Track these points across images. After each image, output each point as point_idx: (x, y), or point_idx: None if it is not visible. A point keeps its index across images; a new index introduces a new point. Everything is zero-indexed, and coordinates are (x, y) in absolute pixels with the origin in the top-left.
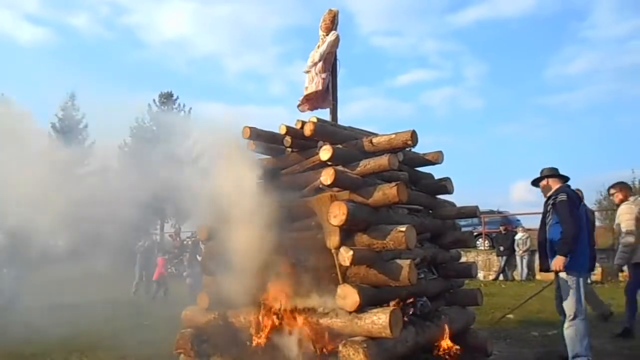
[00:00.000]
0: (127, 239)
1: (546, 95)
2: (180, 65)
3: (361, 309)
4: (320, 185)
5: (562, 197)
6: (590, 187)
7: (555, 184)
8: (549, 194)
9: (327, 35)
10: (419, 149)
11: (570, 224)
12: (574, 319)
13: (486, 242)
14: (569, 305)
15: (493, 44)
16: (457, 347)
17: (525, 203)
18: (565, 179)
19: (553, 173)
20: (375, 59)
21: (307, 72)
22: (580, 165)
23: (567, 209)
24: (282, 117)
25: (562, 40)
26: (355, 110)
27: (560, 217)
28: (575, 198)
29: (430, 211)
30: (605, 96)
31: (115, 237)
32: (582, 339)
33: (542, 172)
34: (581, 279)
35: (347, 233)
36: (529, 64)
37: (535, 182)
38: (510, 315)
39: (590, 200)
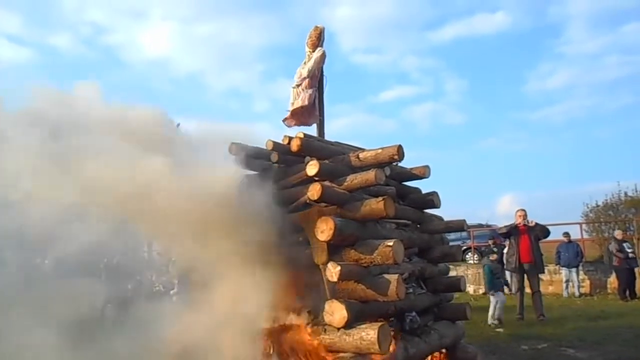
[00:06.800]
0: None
1: (526, 110)
2: (163, 84)
3: (349, 324)
4: (308, 201)
5: None
6: (578, 198)
7: None
8: None
9: (313, 51)
10: (404, 164)
11: None
12: None
13: (475, 255)
14: None
15: (472, 60)
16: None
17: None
18: None
19: None
20: (356, 76)
21: (297, 85)
22: (566, 177)
23: None
24: (267, 133)
25: (539, 56)
26: (339, 126)
27: None
28: None
29: (418, 225)
30: (583, 111)
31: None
32: None
33: None
34: None
35: (335, 248)
36: (507, 80)
37: None
38: (500, 330)
39: (577, 213)
